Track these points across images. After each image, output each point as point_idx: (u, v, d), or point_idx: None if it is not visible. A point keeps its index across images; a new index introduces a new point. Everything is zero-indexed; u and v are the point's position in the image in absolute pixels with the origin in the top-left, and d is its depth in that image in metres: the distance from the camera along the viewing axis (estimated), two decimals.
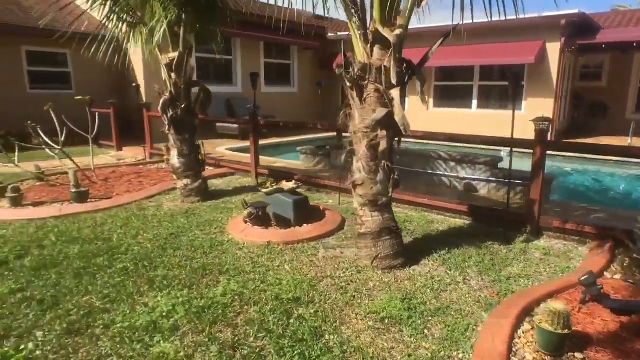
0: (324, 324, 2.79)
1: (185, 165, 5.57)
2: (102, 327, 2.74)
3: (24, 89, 10.65)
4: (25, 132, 9.61)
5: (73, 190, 5.32)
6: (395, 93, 3.19)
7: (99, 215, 5.05)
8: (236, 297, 3.12)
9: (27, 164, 7.72)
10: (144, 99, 11.54)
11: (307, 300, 3.06)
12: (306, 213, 4.69)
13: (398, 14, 3.24)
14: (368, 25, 3.26)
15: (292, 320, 2.80)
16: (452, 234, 4.59)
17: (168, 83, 5.52)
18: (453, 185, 6.40)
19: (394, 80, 3.08)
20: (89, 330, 2.71)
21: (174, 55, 5.40)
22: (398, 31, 3.07)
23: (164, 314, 2.87)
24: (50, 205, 5.32)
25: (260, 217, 4.54)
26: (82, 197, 5.35)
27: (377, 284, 3.34)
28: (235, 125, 11.82)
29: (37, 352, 2.49)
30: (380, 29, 3.10)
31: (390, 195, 3.50)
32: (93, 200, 5.51)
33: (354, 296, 3.14)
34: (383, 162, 3.38)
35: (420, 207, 5.38)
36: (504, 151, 9.31)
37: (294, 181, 4.90)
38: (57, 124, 6.29)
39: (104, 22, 5.56)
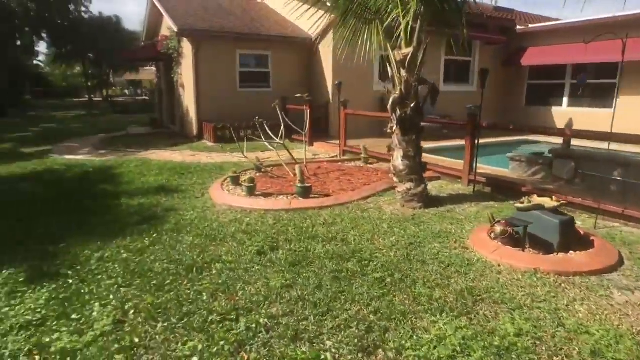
0: None
1: (409, 168, 5.24)
2: (393, 350, 2.46)
3: (236, 87, 11.98)
4: (234, 125, 10.79)
5: (299, 185, 5.47)
6: None
7: (324, 212, 5.05)
8: (536, 342, 2.53)
9: (238, 154, 8.52)
10: (331, 96, 11.94)
11: None
12: (571, 238, 3.84)
13: None
14: None
15: None
16: None
17: (397, 80, 5.24)
18: None
19: None
20: (380, 352, 2.46)
21: (408, 51, 5.08)
22: None
23: (458, 349, 2.45)
24: (277, 198, 5.57)
25: (514, 237, 3.87)
26: (306, 192, 5.47)
27: None
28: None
29: None
30: None
31: None
32: (314, 196, 5.59)
33: None
34: None
35: None
36: None
37: (554, 197, 4.09)
38: (281, 119, 6.64)
39: (341, 20, 5.52)
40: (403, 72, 5.18)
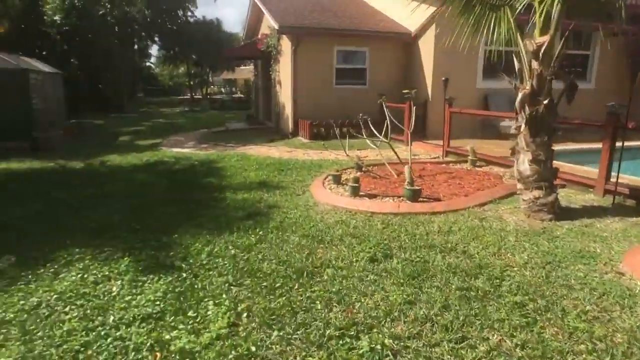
0: None
1: (538, 173, 4.56)
2: None
3: (332, 84, 11.87)
4: (330, 122, 10.66)
5: (408, 188, 5.07)
6: None
7: (437, 219, 4.60)
8: None
9: (335, 152, 8.32)
10: (430, 94, 11.27)
11: None
12: None
13: None
14: None
15: None
16: None
17: (527, 74, 4.58)
18: None
19: None
20: None
21: (543, 40, 4.40)
22: None
23: None
24: (383, 200, 5.23)
25: None
26: (415, 195, 5.05)
27: None
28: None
29: None
30: None
31: None
32: (423, 199, 5.15)
33: None
34: None
35: None
36: None
37: None
38: (387, 116, 6.28)
39: (463, 8, 4.99)
40: (535, 65, 4.51)
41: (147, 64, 39.75)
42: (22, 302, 3.08)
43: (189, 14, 31.31)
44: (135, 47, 30.08)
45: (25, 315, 2.90)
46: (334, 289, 3.09)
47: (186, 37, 30.31)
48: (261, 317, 2.77)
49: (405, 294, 2.97)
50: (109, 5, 22.93)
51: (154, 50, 37.14)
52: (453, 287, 3.06)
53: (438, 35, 10.78)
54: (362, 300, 2.92)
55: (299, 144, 10.48)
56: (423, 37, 11.62)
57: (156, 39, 32.13)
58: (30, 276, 3.47)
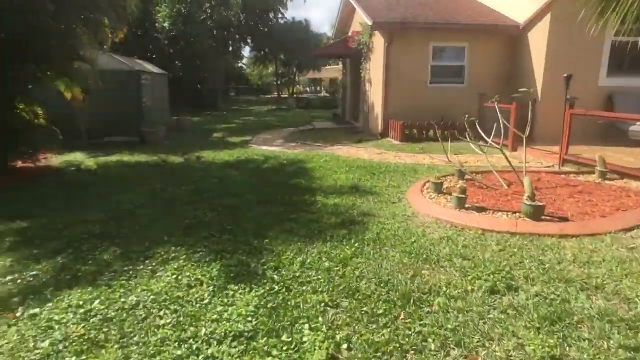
0: None
1: None
2: None
3: (426, 83, 11.11)
4: (421, 124, 9.97)
5: (528, 203, 4.32)
6: None
7: (568, 244, 3.80)
8: None
9: (431, 156, 7.65)
10: (539, 92, 10.02)
11: None
12: None
13: None
14: None
15: None
16: None
17: None
18: None
19: None
20: None
21: None
22: None
23: None
24: (494, 215, 4.54)
25: None
26: (537, 212, 4.29)
27: None
28: None
29: None
30: None
31: None
32: (546, 218, 4.36)
33: None
34: None
35: None
36: None
37: None
38: (499, 119, 5.54)
39: None
40: None
41: (239, 64, 41.70)
42: (122, 299, 3.06)
43: (279, 15, 32.18)
44: (230, 48, 31.66)
45: (124, 315, 2.85)
46: (449, 325, 2.57)
47: (276, 38, 31.19)
48: (364, 352, 2.37)
49: (547, 345, 2.35)
50: (209, 11, 24.36)
51: (245, 51, 38.82)
52: (613, 343, 2.37)
53: (553, 26, 9.54)
54: (488, 346, 2.38)
55: (389, 146, 9.92)
56: (533, 28, 10.40)
57: (248, 40, 33.53)
58: (130, 272, 3.48)
